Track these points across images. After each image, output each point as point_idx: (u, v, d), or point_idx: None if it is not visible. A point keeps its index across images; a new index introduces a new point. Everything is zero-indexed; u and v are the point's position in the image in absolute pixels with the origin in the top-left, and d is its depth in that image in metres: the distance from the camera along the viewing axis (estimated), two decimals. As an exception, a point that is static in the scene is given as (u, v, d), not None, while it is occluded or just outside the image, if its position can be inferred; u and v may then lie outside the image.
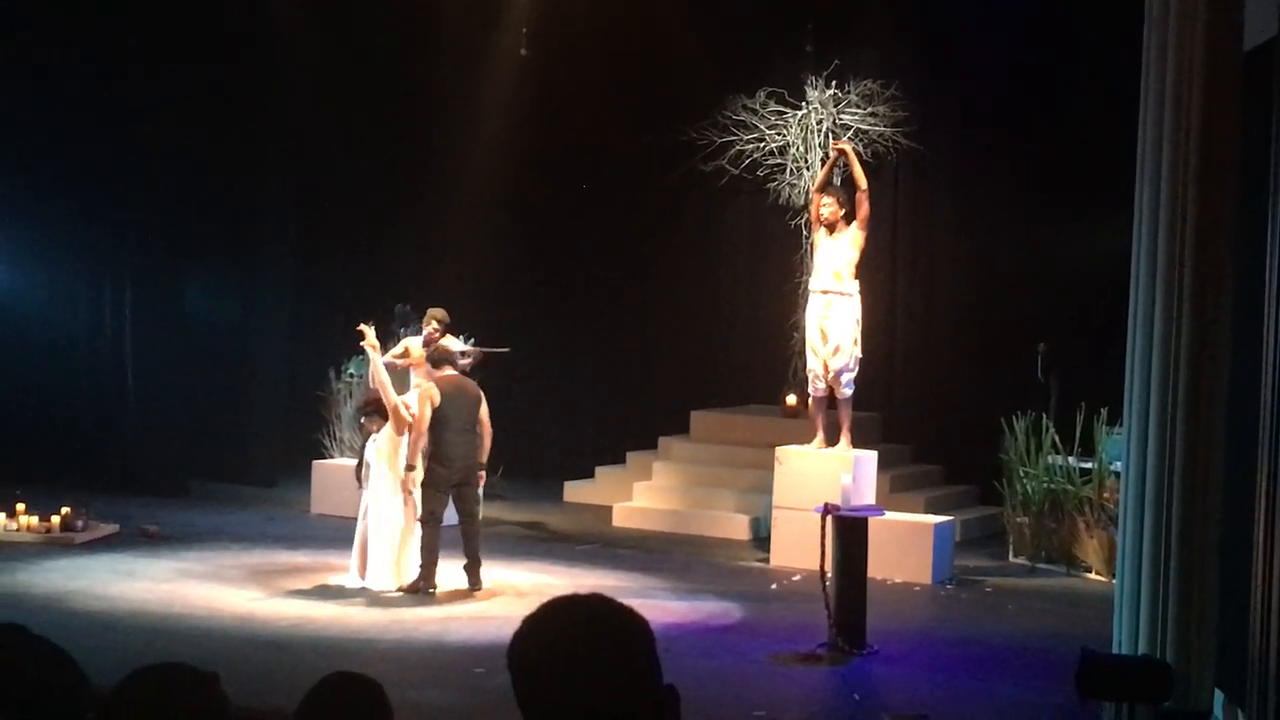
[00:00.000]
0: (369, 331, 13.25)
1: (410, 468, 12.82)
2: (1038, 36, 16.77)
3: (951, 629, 12.28)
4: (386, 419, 12.75)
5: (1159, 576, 9.09)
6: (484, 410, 13.11)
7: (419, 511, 12.79)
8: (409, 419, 12.84)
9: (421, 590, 12.62)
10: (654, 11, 17.80)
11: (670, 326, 19.06)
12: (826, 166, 15.28)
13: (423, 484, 12.86)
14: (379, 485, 12.73)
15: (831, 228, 14.60)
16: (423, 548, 12.73)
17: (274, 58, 17.83)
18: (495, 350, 15.63)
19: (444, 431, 12.84)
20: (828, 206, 14.58)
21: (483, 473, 13.26)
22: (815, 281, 14.86)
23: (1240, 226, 9.01)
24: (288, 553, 14.11)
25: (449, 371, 13.17)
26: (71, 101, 17.41)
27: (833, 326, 14.64)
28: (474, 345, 15.70)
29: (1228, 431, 8.99)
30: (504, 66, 18.54)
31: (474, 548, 12.94)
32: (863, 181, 14.54)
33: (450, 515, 13.16)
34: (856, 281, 14.65)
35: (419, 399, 12.95)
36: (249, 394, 18.18)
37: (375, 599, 12.41)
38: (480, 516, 13.43)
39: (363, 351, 13.78)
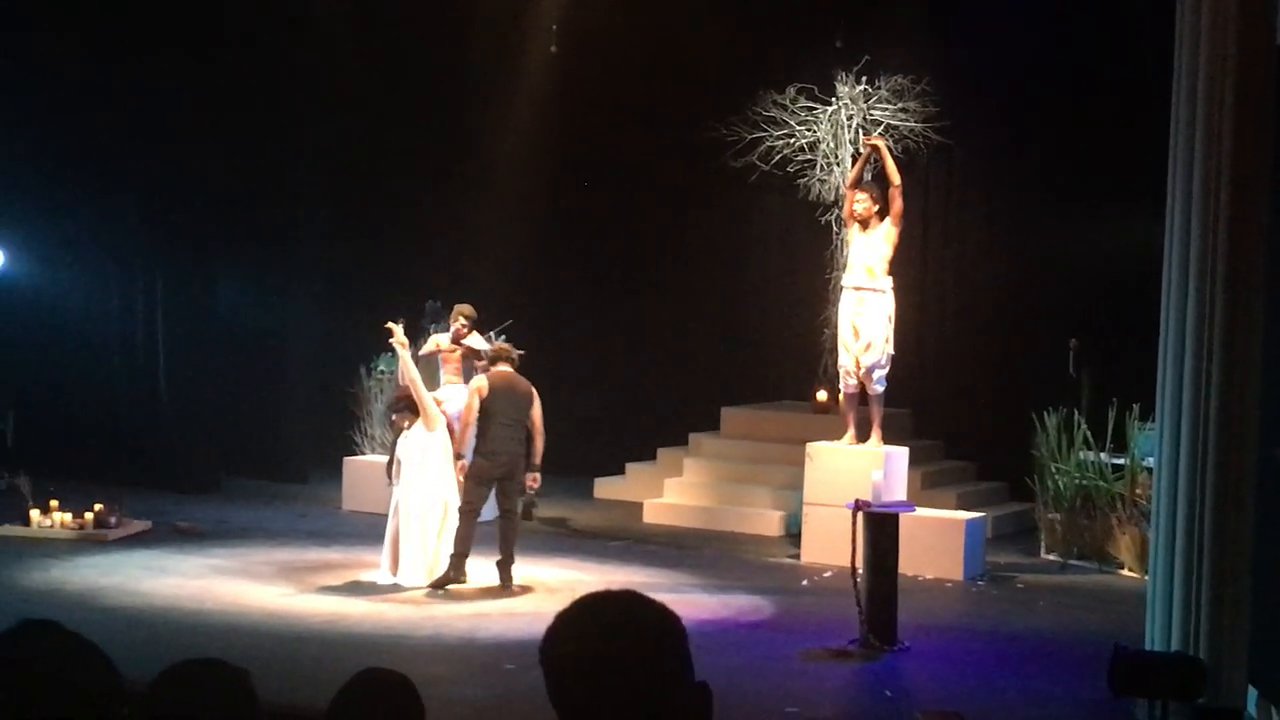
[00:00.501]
0: (397, 329, 13.28)
1: (458, 456, 12.97)
2: (1068, 29, 16.71)
3: (983, 625, 12.25)
4: (417, 415, 12.78)
5: (1192, 572, 9.07)
6: (536, 411, 13.09)
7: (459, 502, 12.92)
8: (439, 415, 12.95)
9: (451, 581, 12.66)
10: (683, 8, 17.77)
11: (701, 323, 19.03)
12: (859, 162, 15.23)
13: (465, 476, 12.94)
14: (410, 481, 12.75)
15: (865, 224, 14.57)
16: (456, 538, 12.77)
17: (308, 53, 17.86)
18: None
19: (489, 426, 12.93)
20: (861, 202, 14.55)
21: (536, 474, 13.25)
22: (848, 278, 14.82)
23: (1273, 220, 8.97)
24: (319, 549, 14.14)
25: (503, 368, 13.21)
26: (105, 99, 17.47)
27: (865, 323, 14.61)
28: (499, 343, 15.74)
29: (1261, 426, 8.95)
30: (534, 63, 18.55)
31: (509, 545, 12.95)
32: (896, 177, 14.51)
33: (490, 510, 13.21)
34: (890, 278, 14.62)
35: (469, 392, 13.11)
36: (281, 390, 18.22)
37: (407, 595, 12.43)
38: (534, 518, 13.80)
39: (393, 349, 13.81)
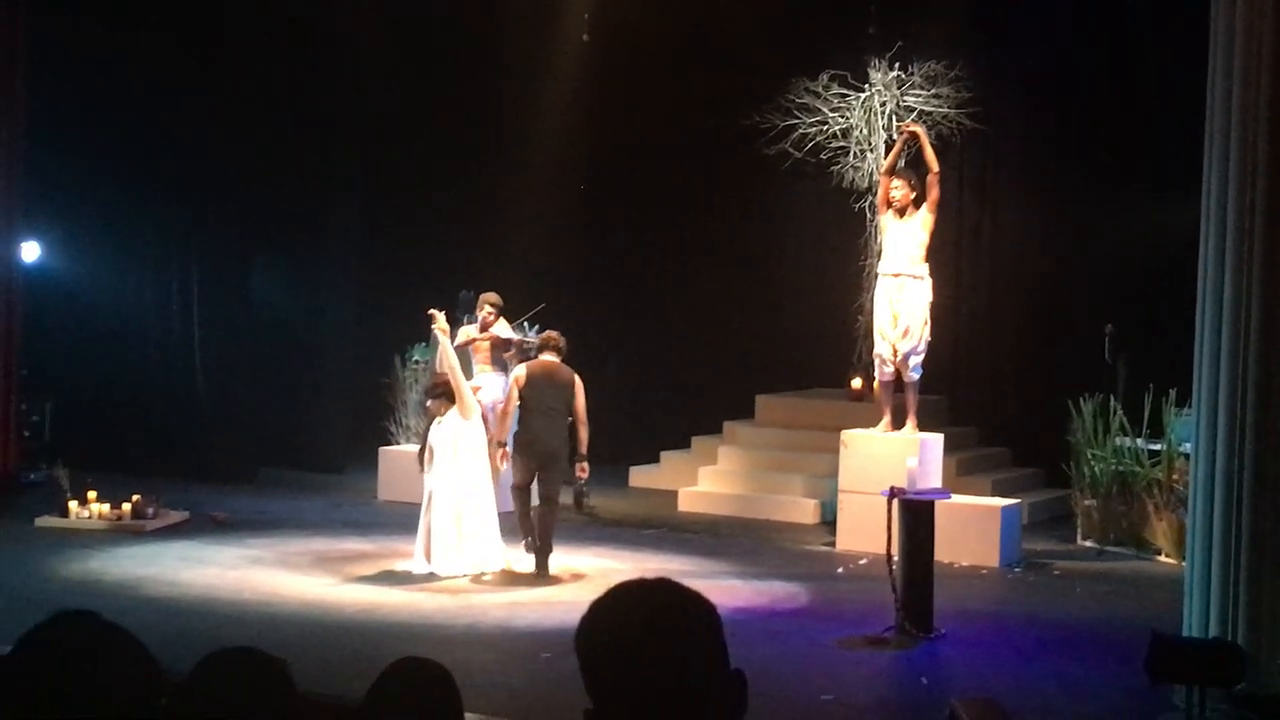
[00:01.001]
0: (439, 316, 13.31)
1: (501, 444, 13.16)
2: (1103, 15, 16.64)
3: (1019, 612, 12.22)
4: (453, 402, 12.79)
5: (1229, 558, 9.03)
6: (580, 400, 13.13)
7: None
8: (475, 404, 13.01)
9: (530, 548, 12.99)
10: (716, -5, 17.77)
11: (735, 311, 19.03)
12: (895, 149, 15.17)
13: (513, 455, 13.17)
14: (443, 470, 12.76)
15: (902, 211, 14.53)
16: (518, 515, 13.13)
17: (342, 46, 17.90)
18: (530, 343, 15.72)
19: (527, 415, 13.09)
20: (899, 189, 14.51)
21: (584, 463, 13.34)
22: (885, 265, 14.78)
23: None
24: (355, 539, 14.18)
25: (548, 356, 13.28)
26: (141, 90, 17.55)
27: (904, 309, 14.58)
28: (530, 341, 15.80)
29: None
30: (568, 52, 18.57)
31: (545, 532, 12.96)
32: (935, 164, 14.47)
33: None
34: (927, 265, 14.59)
35: (509, 381, 13.41)
36: (316, 381, 18.28)
37: (443, 585, 12.45)
38: (586, 508, 14.34)
39: (428, 337, 13.86)
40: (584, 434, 13.16)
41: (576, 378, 13.21)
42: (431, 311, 13.36)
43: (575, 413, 13.12)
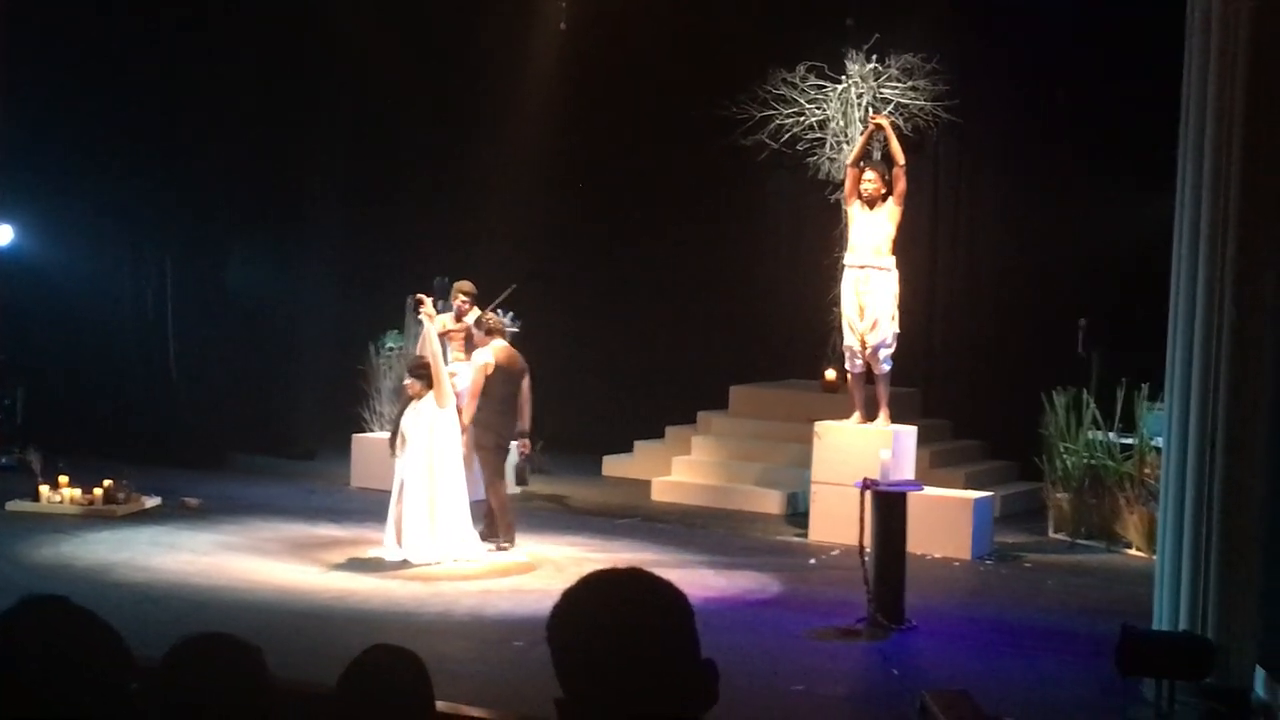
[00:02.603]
0: (427, 302, 13.37)
1: (465, 430, 13.23)
2: (1079, 10, 16.66)
3: (991, 604, 12.26)
4: (431, 386, 12.78)
5: (1200, 552, 9.07)
6: (526, 381, 13.59)
7: (480, 476, 13.42)
8: (452, 394, 13.02)
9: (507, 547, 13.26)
10: (693, -15, 17.76)
11: (709, 301, 19.05)
12: (861, 141, 15.24)
13: (480, 448, 13.32)
14: (416, 457, 12.74)
15: (871, 203, 14.55)
16: (501, 507, 13.40)
17: (321, 31, 17.86)
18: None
19: (490, 400, 13.36)
20: (871, 182, 14.52)
21: (527, 440, 13.55)
22: (852, 257, 14.80)
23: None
24: (328, 526, 14.16)
25: (500, 342, 13.38)
26: (117, 75, 17.48)
27: (870, 301, 14.59)
28: (491, 317, 15.81)
29: (1270, 406, 8.95)
30: (544, 40, 18.55)
31: (507, 508, 13.52)
32: (900, 157, 14.49)
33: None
34: (893, 257, 14.61)
35: (476, 367, 13.48)
36: (290, 367, 18.25)
37: (416, 572, 12.44)
38: (529, 483, 14.59)
39: (403, 324, 13.88)
40: (529, 412, 13.68)
41: (525, 363, 13.69)
42: (419, 296, 13.46)
43: (523, 393, 13.53)
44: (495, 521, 13.47)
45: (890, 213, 14.49)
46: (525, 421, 13.66)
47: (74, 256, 18.04)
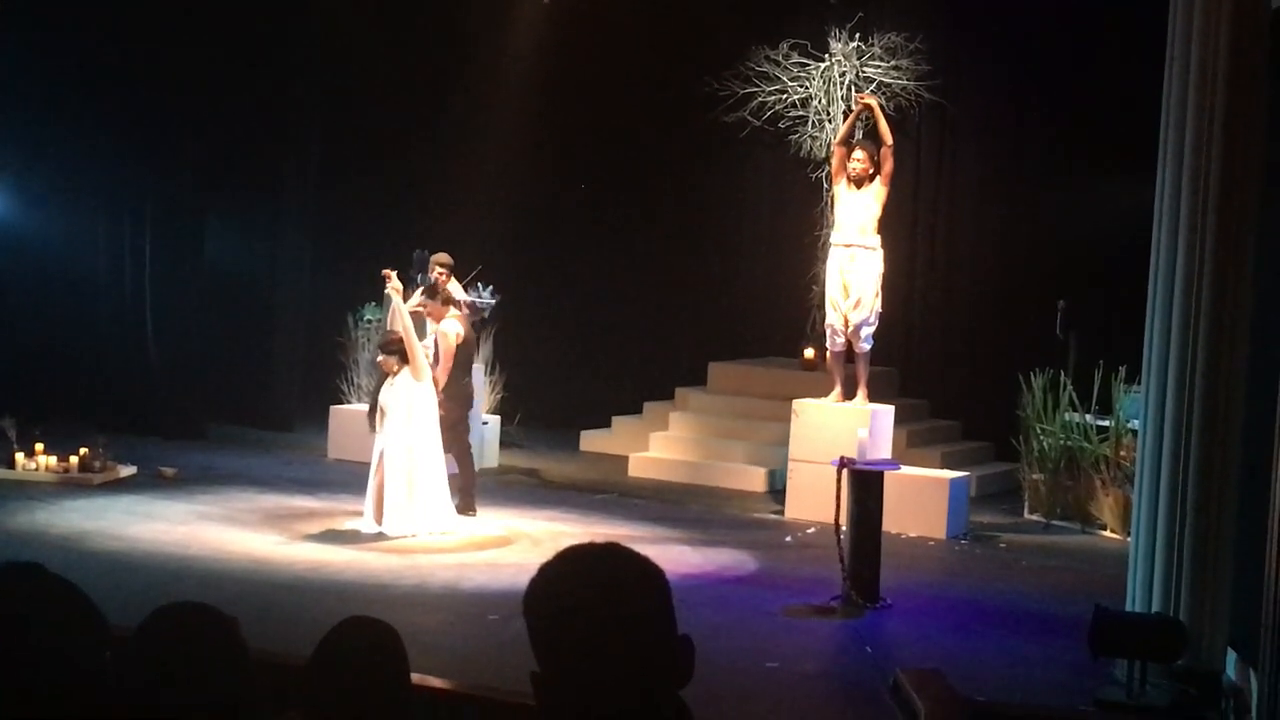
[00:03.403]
0: (393, 276, 13.31)
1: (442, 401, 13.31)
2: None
3: (965, 584, 12.30)
4: (406, 361, 12.77)
5: (1174, 535, 9.10)
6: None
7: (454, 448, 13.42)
8: (427, 366, 12.99)
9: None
10: (678, -40, 17.72)
11: (689, 277, 19.04)
12: (849, 120, 15.21)
13: (452, 421, 13.30)
14: (395, 431, 12.73)
15: (858, 182, 14.54)
16: (468, 476, 13.58)
17: (301, 3, 17.78)
18: (479, 301, 15.77)
19: (459, 374, 13.47)
20: (860, 161, 14.50)
21: None
22: (838, 235, 14.80)
23: (1264, 185, 8.98)
24: (304, 497, 14.15)
25: (456, 312, 13.51)
26: (95, 38, 17.38)
27: (855, 280, 14.60)
28: (482, 300, 15.80)
29: (1246, 391, 8.98)
30: (528, 13, 18.50)
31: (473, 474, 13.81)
32: (889, 137, 14.50)
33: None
34: (879, 236, 14.62)
35: (447, 335, 13.44)
36: (268, 338, 18.21)
37: (391, 545, 12.45)
38: None
39: (381, 296, 13.88)
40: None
41: None
42: (385, 272, 13.35)
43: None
44: (468, 494, 13.50)
45: (877, 193, 14.49)
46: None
47: (51, 224, 17.95)
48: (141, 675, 3.22)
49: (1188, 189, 9.08)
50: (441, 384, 13.28)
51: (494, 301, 16.05)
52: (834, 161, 15.02)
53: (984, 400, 16.77)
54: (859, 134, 15.16)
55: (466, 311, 15.64)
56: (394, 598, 10.65)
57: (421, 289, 14.08)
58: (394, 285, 13.22)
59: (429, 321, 14.42)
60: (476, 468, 13.92)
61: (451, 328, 13.54)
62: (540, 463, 16.86)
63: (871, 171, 14.49)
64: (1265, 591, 7.97)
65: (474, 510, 13.53)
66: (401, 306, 13.09)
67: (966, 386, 17.39)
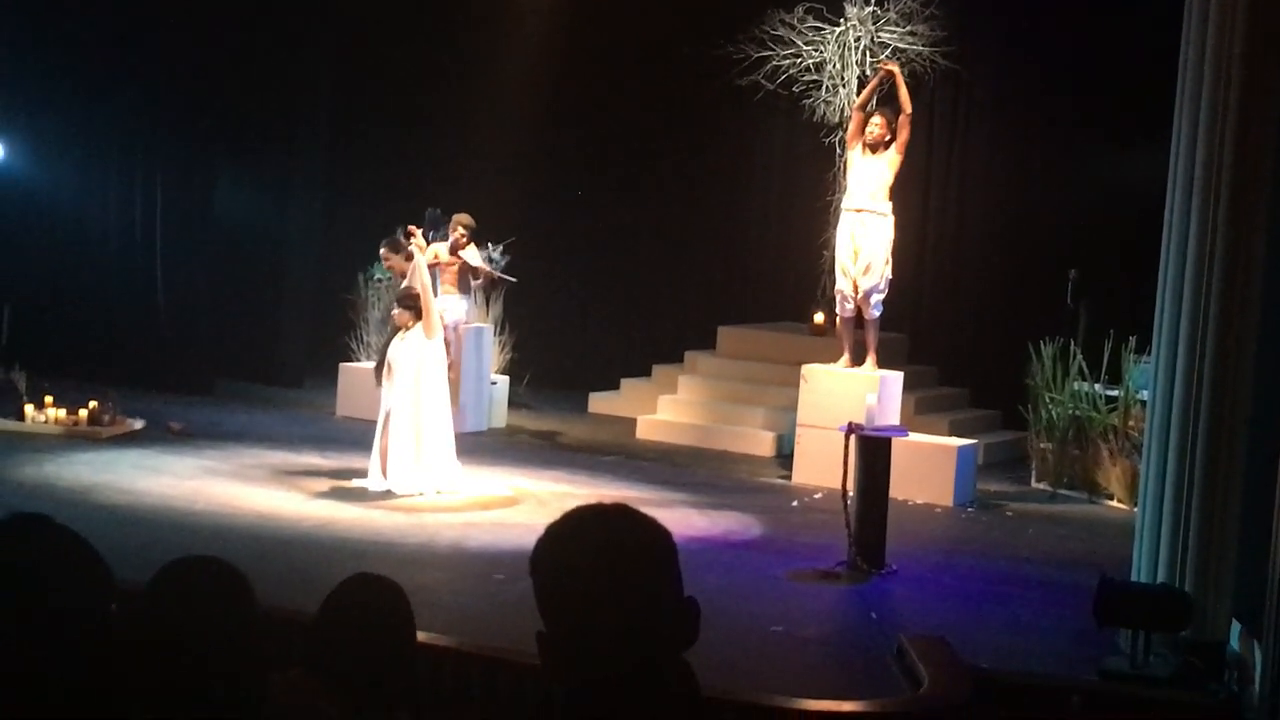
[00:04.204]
0: (417, 233, 13.36)
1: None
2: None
3: (971, 552, 12.31)
4: (419, 318, 12.76)
5: (1180, 506, 9.11)
6: None
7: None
8: (440, 325, 13.02)
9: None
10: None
11: (700, 241, 19.02)
12: (871, 85, 15.14)
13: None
14: (403, 387, 12.73)
15: (874, 148, 14.50)
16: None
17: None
18: (505, 277, 15.84)
19: None
20: (878, 126, 14.45)
21: None
22: (849, 200, 14.76)
23: (1278, 157, 8.94)
24: (312, 454, 14.16)
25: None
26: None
27: (865, 245, 14.57)
28: (496, 263, 15.82)
29: (1255, 363, 8.96)
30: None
31: None
32: (908, 106, 14.46)
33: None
34: (890, 203, 14.59)
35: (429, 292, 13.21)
36: (278, 294, 18.20)
37: (398, 503, 12.47)
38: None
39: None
40: None
41: None
42: (410, 228, 13.42)
43: None
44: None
45: (891, 160, 14.45)
46: None
47: (62, 177, 17.95)
48: (152, 628, 3.23)
49: (1202, 158, 9.04)
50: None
51: (514, 280, 16.06)
52: (851, 125, 14.98)
53: (993, 368, 16.74)
54: (874, 101, 15.10)
55: (482, 280, 15.72)
56: (400, 556, 10.67)
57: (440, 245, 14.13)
58: (418, 243, 13.27)
59: (440, 281, 14.45)
60: (485, 427, 13.89)
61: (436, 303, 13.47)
62: (548, 424, 16.87)
63: (888, 138, 14.45)
64: (1270, 563, 7.97)
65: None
66: (422, 264, 13.11)
67: (976, 354, 17.37)
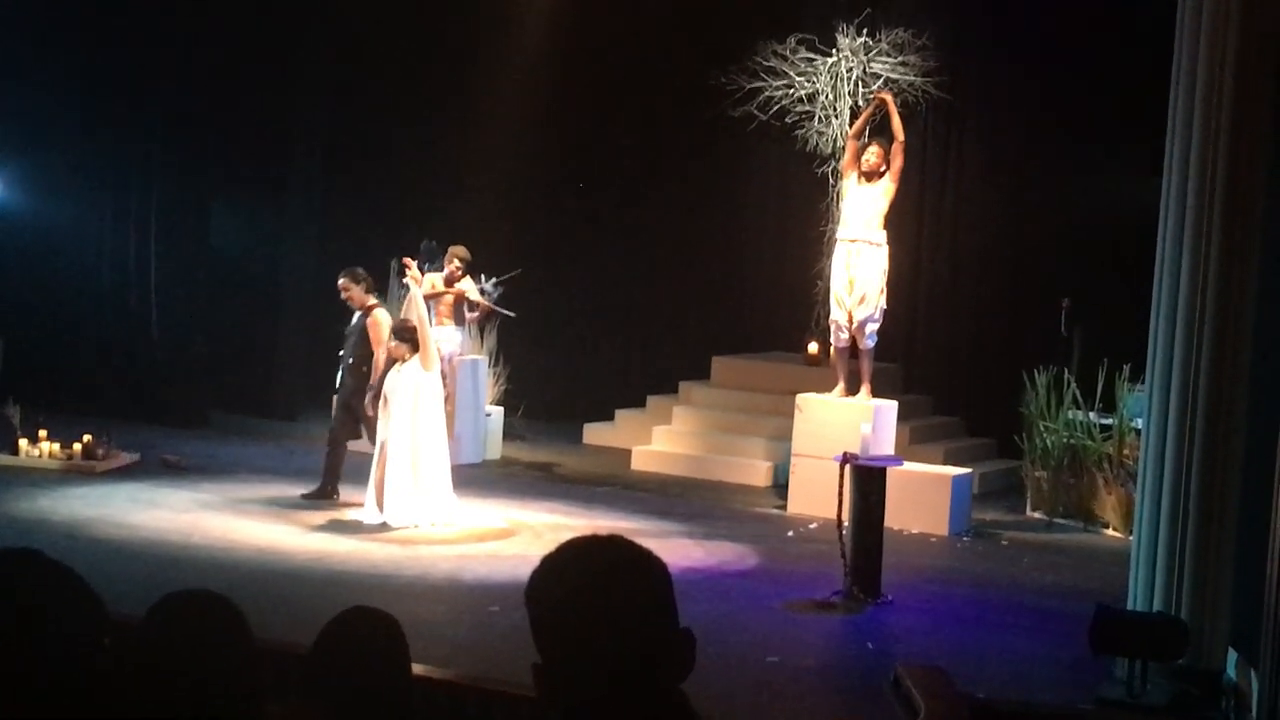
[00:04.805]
0: (412, 265, 13.41)
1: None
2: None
3: (967, 581, 12.30)
4: (417, 349, 12.78)
5: (1176, 534, 9.10)
6: None
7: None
8: (437, 358, 13.06)
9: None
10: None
11: (694, 271, 19.04)
12: (865, 114, 15.20)
13: (367, 408, 13.27)
14: (400, 420, 12.73)
15: (870, 177, 14.54)
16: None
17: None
18: (502, 310, 15.86)
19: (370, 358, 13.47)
20: (874, 155, 14.50)
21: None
22: (844, 230, 14.79)
23: (1270, 184, 8.97)
24: (307, 487, 14.12)
25: (376, 300, 13.70)
26: (100, 27, 17.39)
27: (860, 274, 14.59)
28: (489, 294, 15.83)
29: (1249, 390, 8.97)
30: (536, 6, 18.48)
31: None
32: (900, 133, 14.50)
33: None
34: (885, 232, 14.61)
35: (381, 325, 13.29)
36: (272, 327, 18.20)
37: (393, 535, 12.45)
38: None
39: (384, 289, 13.90)
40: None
41: None
42: (405, 260, 13.48)
43: None
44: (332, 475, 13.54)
45: (885, 189, 14.49)
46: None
47: (58, 210, 17.96)
48: (149, 661, 3.23)
49: (1194, 187, 9.06)
50: (378, 372, 13.25)
51: (512, 315, 16.09)
52: (845, 155, 15.03)
53: (987, 397, 16.76)
54: (867, 131, 15.14)
55: (478, 314, 15.75)
56: (396, 588, 10.66)
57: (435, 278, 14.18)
58: (413, 274, 13.33)
59: (434, 312, 14.46)
60: (480, 459, 13.84)
61: (383, 317, 13.50)
62: (543, 455, 16.86)
63: (883, 168, 14.49)
64: (1266, 591, 7.96)
65: (334, 493, 13.48)
66: (418, 296, 13.16)
67: (970, 383, 17.38)
